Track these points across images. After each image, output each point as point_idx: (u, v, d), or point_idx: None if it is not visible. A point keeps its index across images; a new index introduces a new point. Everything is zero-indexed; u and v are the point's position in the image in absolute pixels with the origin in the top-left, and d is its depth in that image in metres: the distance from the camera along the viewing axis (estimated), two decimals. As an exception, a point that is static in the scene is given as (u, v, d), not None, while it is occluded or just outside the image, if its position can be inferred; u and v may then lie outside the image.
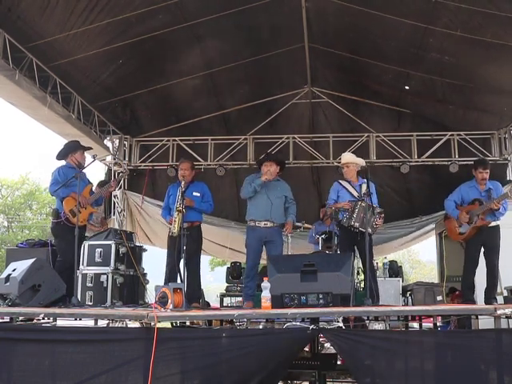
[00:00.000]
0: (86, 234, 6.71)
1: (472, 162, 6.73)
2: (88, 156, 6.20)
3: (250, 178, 6.35)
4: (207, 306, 8.45)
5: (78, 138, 7.48)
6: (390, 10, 6.50)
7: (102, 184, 7.55)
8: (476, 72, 7.43)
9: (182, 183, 6.07)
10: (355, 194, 6.05)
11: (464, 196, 6.19)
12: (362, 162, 6.26)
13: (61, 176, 5.85)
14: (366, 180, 5.95)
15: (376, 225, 5.78)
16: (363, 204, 5.73)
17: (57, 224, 5.87)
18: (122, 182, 9.80)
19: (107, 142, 9.60)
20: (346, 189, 6.10)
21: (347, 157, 6.32)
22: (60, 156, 6.14)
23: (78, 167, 5.91)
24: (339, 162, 9.26)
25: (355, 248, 5.94)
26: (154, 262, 7.73)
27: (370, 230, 5.60)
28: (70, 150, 6.13)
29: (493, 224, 5.97)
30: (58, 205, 5.91)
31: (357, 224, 5.74)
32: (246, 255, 6.33)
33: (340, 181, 6.25)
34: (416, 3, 6.29)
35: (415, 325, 6.95)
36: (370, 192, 5.56)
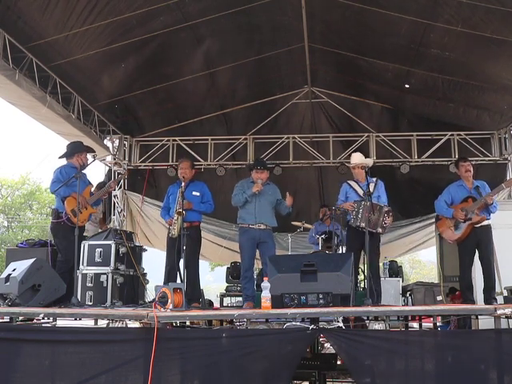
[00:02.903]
0: (86, 234, 6.73)
1: (473, 162, 6.71)
2: (88, 156, 6.19)
3: (241, 185, 6.35)
4: (210, 305, 8.46)
5: (77, 138, 7.49)
6: (391, 7, 6.49)
7: (100, 186, 7.56)
8: (477, 69, 7.43)
9: (183, 184, 6.06)
10: (362, 193, 6.06)
11: (453, 195, 6.13)
12: (370, 162, 6.24)
13: (63, 175, 5.82)
14: (374, 179, 5.95)
15: (385, 223, 5.77)
16: (367, 203, 5.73)
17: (57, 224, 5.84)
18: (121, 182, 9.81)
19: (107, 142, 9.60)
20: (354, 189, 6.13)
21: (356, 159, 6.23)
22: (65, 155, 6.11)
23: (80, 168, 5.91)
24: (340, 163, 9.38)
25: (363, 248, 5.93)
26: (154, 262, 7.73)
27: (379, 230, 5.60)
28: (77, 150, 6.09)
29: (486, 223, 5.95)
30: (58, 204, 5.89)
31: (363, 224, 5.71)
32: (240, 258, 6.32)
33: (349, 181, 6.26)
34: (417, -1, 6.31)
35: (415, 325, 6.96)
36: (371, 192, 5.56)
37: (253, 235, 6.13)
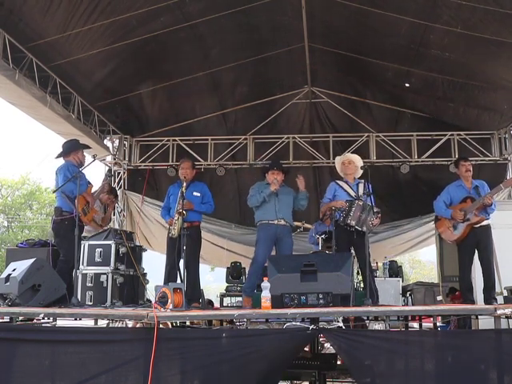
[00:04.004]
0: (86, 234, 6.73)
1: (473, 163, 6.70)
2: (88, 156, 6.20)
3: (257, 187, 6.28)
4: (210, 304, 8.45)
5: (77, 138, 7.48)
6: (391, 8, 6.50)
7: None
8: (476, 69, 7.44)
9: (184, 184, 6.07)
10: (352, 193, 6.06)
11: (452, 196, 6.09)
12: (359, 161, 6.27)
13: (71, 173, 5.76)
14: (362, 180, 5.97)
15: (372, 224, 5.76)
16: (360, 203, 5.74)
17: (60, 222, 5.77)
18: (122, 182, 9.82)
19: (107, 142, 9.61)
20: (343, 188, 6.11)
21: (347, 155, 6.43)
22: (62, 154, 6.08)
23: (79, 166, 5.91)
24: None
25: (351, 247, 5.93)
26: (154, 262, 7.73)
27: (364, 228, 5.59)
28: (73, 148, 6.07)
29: (485, 223, 5.93)
30: (62, 203, 5.82)
31: (353, 222, 5.73)
32: (254, 250, 6.24)
33: (337, 181, 6.26)
34: (417, 0, 6.29)
35: (415, 325, 6.96)
36: (371, 192, 5.56)
37: (273, 231, 6.09)
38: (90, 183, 6.17)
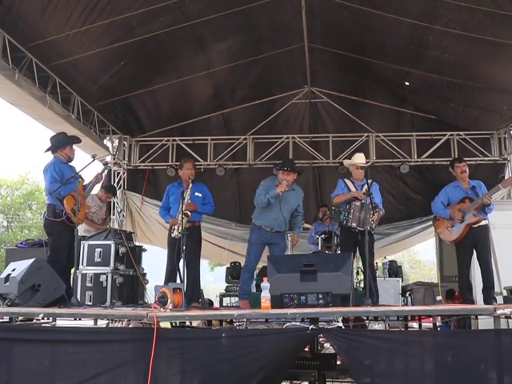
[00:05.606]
0: (85, 234, 6.73)
1: (472, 163, 6.71)
2: (88, 155, 6.18)
3: (266, 184, 6.18)
4: (210, 304, 8.44)
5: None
6: (390, 9, 6.51)
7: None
8: (476, 70, 7.45)
9: (190, 185, 6.10)
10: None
11: (450, 196, 6.09)
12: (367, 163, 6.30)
13: (57, 173, 5.69)
14: (369, 181, 5.96)
15: (372, 220, 5.76)
16: (357, 203, 5.76)
17: (53, 222, 5.68)
18: (121, 182, 9.83)
19: (107, 142, 9.60)
20: (348, 187, 6.13)
21: (361, 159, 6.28)
22: (49, 150, 5.94)
23: (68, 161, 5.87)
24: (340, 163, 9.37)
25: (357, 248, 5.94)
26: (154, 262, 7.73)
27: (368, 228, 5.59)
28: (60, 145, 5.93)
29: (483, 223, 5.93)
30: (54, 200, 5.71)
31: (354, 224, 5.76)
32: (246, 251, 6.29)
33: (345, 179, 6.27)
34: (416, 2, 6.30)
35: (415, 325, 6.96)
36: (371, 192, 5.56)
37: (264, 236, 6.13)
38: (81, 177, 5.93)
